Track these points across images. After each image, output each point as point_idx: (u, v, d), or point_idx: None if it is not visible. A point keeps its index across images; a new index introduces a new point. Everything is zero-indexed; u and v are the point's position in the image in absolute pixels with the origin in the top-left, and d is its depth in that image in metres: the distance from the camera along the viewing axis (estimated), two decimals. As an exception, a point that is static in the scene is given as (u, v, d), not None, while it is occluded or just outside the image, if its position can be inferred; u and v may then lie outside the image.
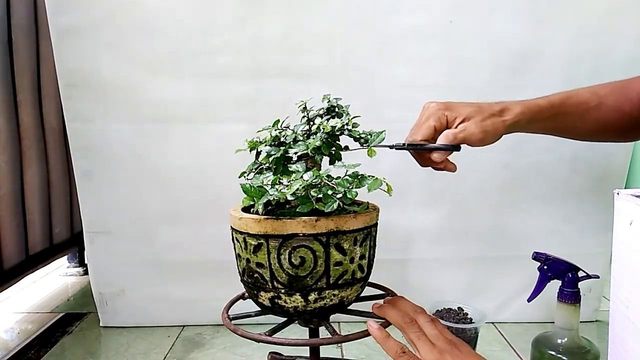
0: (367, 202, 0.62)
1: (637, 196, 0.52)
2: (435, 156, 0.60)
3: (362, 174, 0.56)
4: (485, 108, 0.64)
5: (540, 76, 0.93)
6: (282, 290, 0.55)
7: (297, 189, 0.51)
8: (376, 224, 0.60)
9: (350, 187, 0.52)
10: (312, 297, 0.55)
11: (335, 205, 0.51)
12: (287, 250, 0.53)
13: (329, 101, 0.63)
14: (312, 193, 0.52)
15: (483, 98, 0.94)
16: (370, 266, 0.59)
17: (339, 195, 0.52)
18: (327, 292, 0.55)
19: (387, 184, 0.55)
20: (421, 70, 0.93)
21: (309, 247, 0.53)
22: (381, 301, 0.62)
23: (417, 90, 0.94)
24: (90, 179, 0.97)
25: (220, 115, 0.95)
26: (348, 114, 0.62)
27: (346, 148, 0.61)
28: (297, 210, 0.53)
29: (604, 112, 0.70)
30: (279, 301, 0.56)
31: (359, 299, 0.62)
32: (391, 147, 0.61)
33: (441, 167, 0.62)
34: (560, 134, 0.74)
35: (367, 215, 0.56)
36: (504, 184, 0.99)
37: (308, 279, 0.54)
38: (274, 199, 0.53)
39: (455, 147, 0.61)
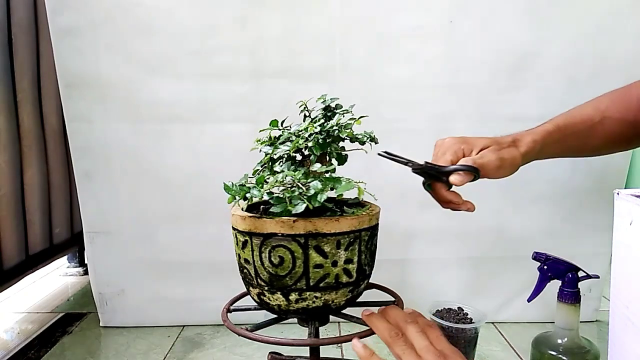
0: (370, 204, 0.62)
1: (637, 196, 0.52)
2: (455, 178, 0.58)
3: (337, 177, 0.55)
4: (499, 140, 0.64)
5: (540, 76, 0.94)
6: (265, 288, 0.56)
7: (268, 189, 0.52)
8: (370, 227, 0.57)
9: (322, 189, 0.52)
10: (293, 297, 0.55)
11: (302, 207, 0.51)
12: (267, 249, 0.54)
13: (324, 101, 0.63)
14: (286, 193, 0.52)
15: (483, 98, 0.95)
16: (361, 271, 0.57)
17: (319, 196, 0.51)
18: (307, 293, 0.55)
19: (358, 188, 0.54)
20: (421, 70, 0.94)
21: (287, 247, 0.53)
22: (373, 309, 0.60)
23: (417, 90, 0.94)
24: (90, 179, 0.97)
25: (220, 115, 0.95)
26: (345, 113, 0.61)
27: (342, 149, 0.61)
28: (271, 210, 0.53)
29: (609, 125, 0.70)
30: (264, 298, 0.57)
31: (357, 303, 0.61)
32: (406, 163, 0.59)
33: (460, 203, 0.61)
34: (570, 154, 0.75)
35: (355, 219, 0.55)
36: (504, 184, 0.98)
37: (287, 278, 0.54)
38: (251, 197, 0.53)
39: (475, 170, 0.59)
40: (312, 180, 0.53)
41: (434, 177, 0.61)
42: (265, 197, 0.53)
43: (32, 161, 1.08)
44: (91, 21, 0.90)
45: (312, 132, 0.58)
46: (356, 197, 0.64)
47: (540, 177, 0.98)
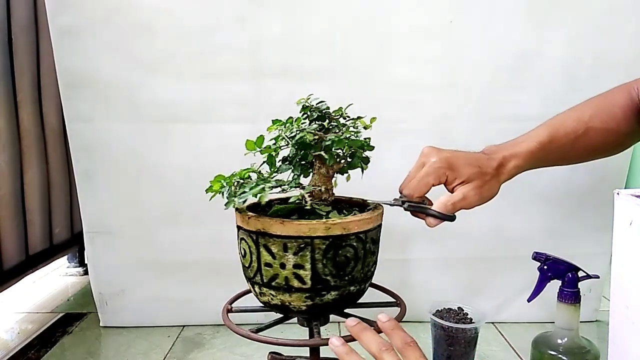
0: (371, 203, 0.62)
1: (637, 196, 0.52)
2: (431, 221, 0.63)
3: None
4: (485, 168, 0.64)
5: (540, 76, 0.93)
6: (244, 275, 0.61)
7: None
8: (329, 237, 0.53)
9: (254, 186, 0.55)
10: (257, 289, 0.58)
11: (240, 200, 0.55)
12: (239, 239, 0.59)
13: (320, 103, 0.62)
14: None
15: (483, 98, 0.95)
16: (321, 281, 0.54)
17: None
18: (264, 289, 0.57)
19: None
20: (421, 70, 0.93)
21: (246, 241, 0.57)
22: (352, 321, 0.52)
23: (417, 90, 0.94)
24: (90, 179, 0.97)
25: (220, 115, 0.94)
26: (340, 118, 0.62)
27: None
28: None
29: (592, 136, 0.70)
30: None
31: (358, 304, 0.62)
32: (391, 205, 0.65)
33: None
34: (550, 166, 0.76)
35: (304, 225, 0.52)
36: (504, 184, 0.98)
37: (249, 270, 0.58)
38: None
39: (452, 218, 0.63)
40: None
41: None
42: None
43: (32, 161, 1.08)
44: (91, 21, 0.90)
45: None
46: (364, 199, 0.65)
47: (540, 177, 0.98)
